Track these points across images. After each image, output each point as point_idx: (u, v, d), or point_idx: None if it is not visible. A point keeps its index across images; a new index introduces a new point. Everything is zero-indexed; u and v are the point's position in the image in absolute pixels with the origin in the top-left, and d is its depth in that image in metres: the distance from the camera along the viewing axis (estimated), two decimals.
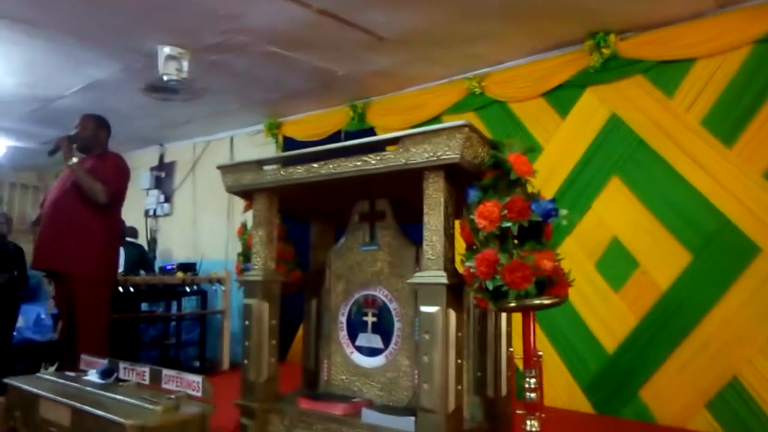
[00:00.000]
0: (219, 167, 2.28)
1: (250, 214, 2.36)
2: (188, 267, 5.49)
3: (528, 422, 1.65)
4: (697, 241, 3.57)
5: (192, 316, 5.87)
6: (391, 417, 1.82)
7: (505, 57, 4.41)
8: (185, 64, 4.11)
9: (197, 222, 7.00)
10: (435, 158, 1.69)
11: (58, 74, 4.90)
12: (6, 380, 2.63)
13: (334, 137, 5.67)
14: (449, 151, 1.67)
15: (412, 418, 1.74)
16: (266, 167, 2.14)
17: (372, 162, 1.81)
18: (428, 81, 4.89)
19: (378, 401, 2.05)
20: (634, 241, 3.82)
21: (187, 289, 5.39)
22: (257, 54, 4.34)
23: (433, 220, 1.73)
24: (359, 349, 2.14)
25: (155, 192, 7.42)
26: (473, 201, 1.68)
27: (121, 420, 1.90)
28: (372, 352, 2.10)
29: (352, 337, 2.17)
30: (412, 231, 2.12)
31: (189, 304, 5.95)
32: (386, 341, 2.07)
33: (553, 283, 1.59)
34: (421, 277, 1.72)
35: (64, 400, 2.17)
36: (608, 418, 3.73)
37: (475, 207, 1.66)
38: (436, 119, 4.80)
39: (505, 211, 1.59)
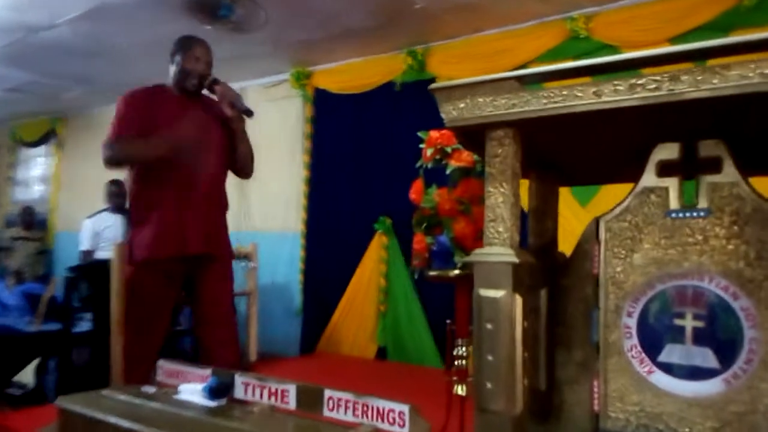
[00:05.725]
0: (434, 88, 1.44)
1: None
2: None
3: None
4: None
5: None
6: None
7: None
8: None
9: None
10: None
11: None
12: (59, 403, 1.78)
13: (382, 90, 4.84)
14: None
15: None
16: (532, 85, 1.36)
17: None
18: (519, 21, 4.10)
19: None
20: None
21: None
22: None
23: None
24: (666, 368, 1.41)
25: None
26: None
27: None
28: (694, 373, 1.38)
29: (651, 349, 1.43)
30: None
31: None
32: (724, 357, 1.35)
33: None
34: None
35: None
36: None
37: None
38: (521, 69, 4.06)
39: None
